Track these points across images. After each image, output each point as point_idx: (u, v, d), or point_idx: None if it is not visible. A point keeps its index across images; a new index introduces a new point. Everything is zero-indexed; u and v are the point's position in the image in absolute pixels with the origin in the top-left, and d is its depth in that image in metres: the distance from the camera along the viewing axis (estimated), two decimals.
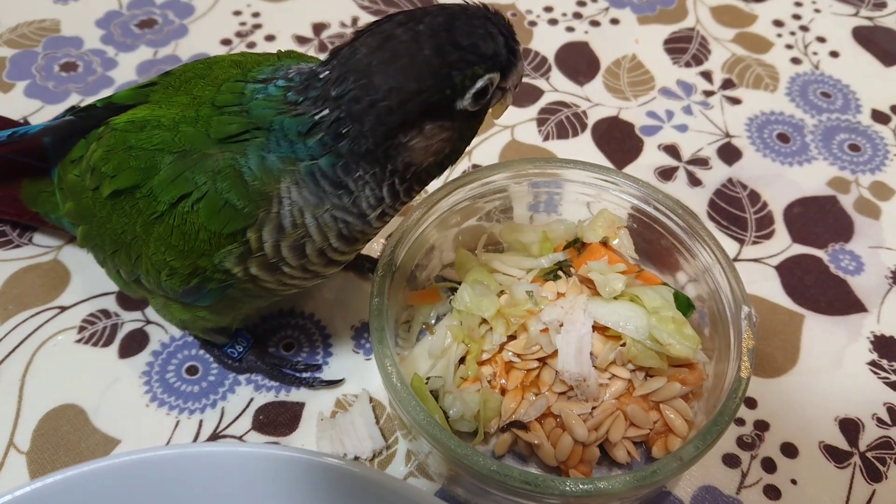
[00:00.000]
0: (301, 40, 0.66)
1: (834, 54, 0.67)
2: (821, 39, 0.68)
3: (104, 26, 0.66)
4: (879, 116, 0.63)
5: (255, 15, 0.68)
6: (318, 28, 0.67)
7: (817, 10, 0.71)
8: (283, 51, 0.41)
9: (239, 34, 0.66)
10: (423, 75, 0.33)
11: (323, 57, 0.58)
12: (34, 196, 0.48)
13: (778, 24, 0.70)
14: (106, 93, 0.61)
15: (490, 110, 0.38)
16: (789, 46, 0.68)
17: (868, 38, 0.69)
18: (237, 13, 0.68)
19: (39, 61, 0.64)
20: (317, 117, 0.34)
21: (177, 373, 0.47)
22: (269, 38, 0.66)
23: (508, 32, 0.36)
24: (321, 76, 0.34)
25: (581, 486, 0.37)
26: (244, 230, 0.36)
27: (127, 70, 0.63)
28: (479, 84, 0.34)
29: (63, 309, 0.50)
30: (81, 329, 0.49)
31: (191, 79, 0.39)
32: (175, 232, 0.35)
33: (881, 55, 0.67)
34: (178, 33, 0.66)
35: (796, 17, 0.70)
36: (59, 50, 0.64)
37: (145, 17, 0.67)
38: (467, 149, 0.39)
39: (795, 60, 0.67)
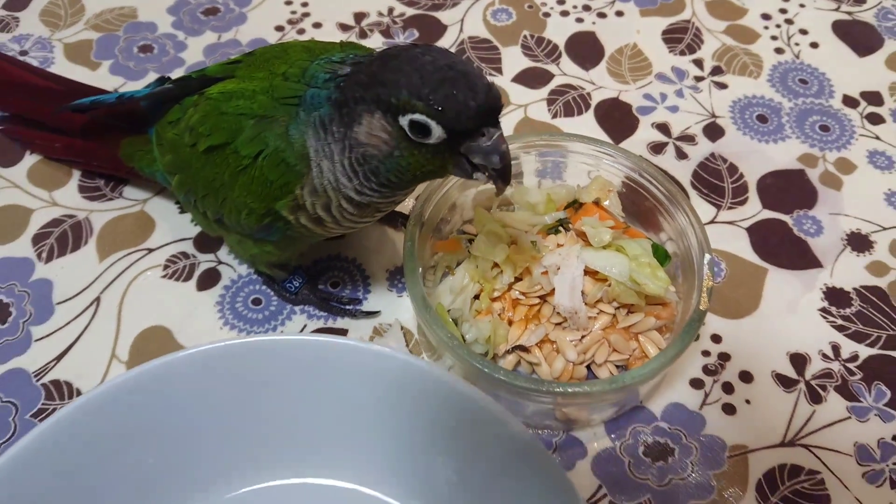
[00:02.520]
0: (344, 27, 0.75)
1: (814, 45, 0.75)
2: (803, 31, 0.76)
3: (175, 13, 0.76)
4: (849, 101, 0.71)
5: (304, 4, 0.77)
6: (359, 17, 0.76)
7: (802, 5, 0.79)
8: (344, 41, 0.50)
9: (290, 21, 0.75)
10: (389, 78, 0.39)
11: (364, 41, 0.68)
12: (132, 153, 0.57)
13: (766, 17, 0.78)
14: (178, 71, 0.71)
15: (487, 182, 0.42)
16: (774, 38, 0.76)
17: (846, 30, 0.77)
18: (288, 2, 0.77)
19: (121, 44, 0.73)
20: (339, 72, 0.42)
21: (244, 303, 0.58)
22: (316, 25, 0.75)
23: (487, 109, 0.39)
24: (373, 54, 0.42)
25: (569, 389, 0.46)
26: (294, 183, 0.45)
27: (195, 52, 0.72)
28: (415, 117, 0.38)
29: (150, 251, 0.60)
30: (166, 267, 0.59)
31: (269, 59, 0.48)
32: (255, 181, 0.45)
33: (856, 47, 0.75)
34: (238, 20, 0.76)
35: (783, 10, 0.78)
36: (137, 34, 0.74)
37: (209, 5, 0.77)
38: None
39: (779, 50, 0.75)
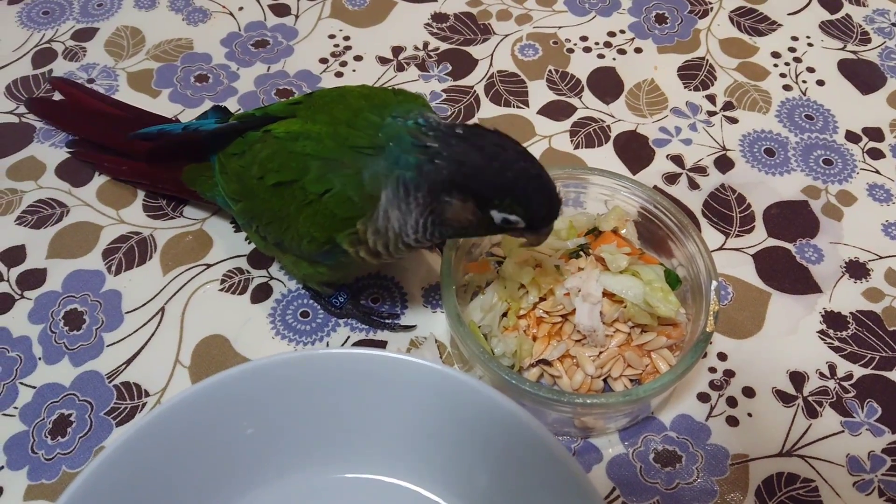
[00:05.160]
0: (382, 60, 0.81)
1: (820, 83, 0.81)
2: (810, 69, 0.82)
3: (227, 45, 0.82)
4: (852, 136, 0.76)
5: (346, 38, 0.83)
6: (397, 50, 0.82)
7: (810, 45, 0.84)
8: (395, 89, 0.56)
9: (333, 54, 0.82)
10: (492, 183, 0.46)
11: (401, 73, 0.74)
12: (194, 177, 0.63)
13: (775, 55, 0.83)
14: (231, 100, 0.77)
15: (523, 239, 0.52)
16: (783, 75, 0.81)
17: (851, 69, 0.82)
18: (332, 36, 0.83)
19: (179, 73, 0.79)
20: (428, 143, 0.48)
21: (294, 315, 0.63)
22: (358, 58, 0.81)
23: (555, 209, 0.49)
24: (456, 130, 0.48)
25: (588, 401, 0.52)
26: (357, 218, 0.50)
27: (247, 82, 0.78)
28: (509, 217, 0.47)
29: (208, 266, 0.66)
30: (223, 281, 0.65)
31: (328, 102, 0.53)
32: (319, 213, 0.50)
33: (860, 85, 0.80)
34: (285, 53, 0.82)
35: (792, 49, 0.84)
36: (193, 64, 0.80)
37: (259, 38, 0.83)
38: None
39: (787, 87, 0.80)
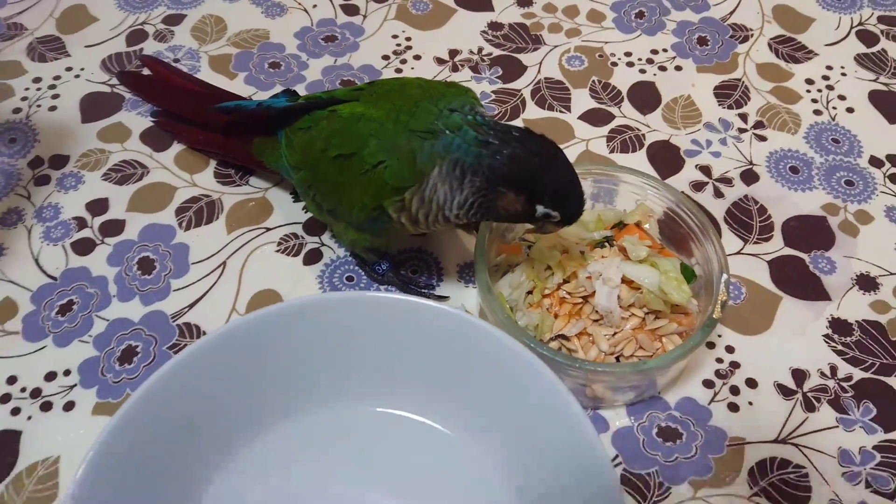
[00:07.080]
0: (439, 61, 0.88)
1: (850, 110, 0.85)
2: (842, 97, 0.86)
3: (300, 38, 0.90)
4: (875, 161, 0.80)
5: (408, 39, 0.90)
6: (453, 53, 0.89)
7: (843, 74, 0.88)
8: (447, 81, 0.62)
9: (395, 52, 0.89)
10: (544, 185, 0.53)
11: (455, 74, 0.80)
12: (262, 149, 0.70)
13: (809, 81, 0.88)
14: (300, 86, 0.84)
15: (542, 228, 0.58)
16: (814, 100, 0.85)
17: (882, 99, 0.86)
18: (395, 36, 0.90)
19: (254, 59, 0.87)
20: (490, 139, 0.54)
21: (340, 279, 0.70)
22: (417, 57, 0.88)
23: (582, 210, 0.56)
24: (513, 132, 0.54)
25: (598, 368, 0.57)
26: (406, 189, 0.57)
27: (315, 72, 0.86)
28: (551, 212, 0.55)
29: (268, 229, 0.73)
30: (279, 243, 0.72)
31: (389, 91, 0.59)
32: (372, 183, 0.57)
33: (888, 114, 0.84)
34: (351, 48, 0.89)
35: (825, 77, 0.88)
36: (268, 52, 0.88)
37: (329, 33, 0.91)
38: None
39: (817, 112, 0.84)
